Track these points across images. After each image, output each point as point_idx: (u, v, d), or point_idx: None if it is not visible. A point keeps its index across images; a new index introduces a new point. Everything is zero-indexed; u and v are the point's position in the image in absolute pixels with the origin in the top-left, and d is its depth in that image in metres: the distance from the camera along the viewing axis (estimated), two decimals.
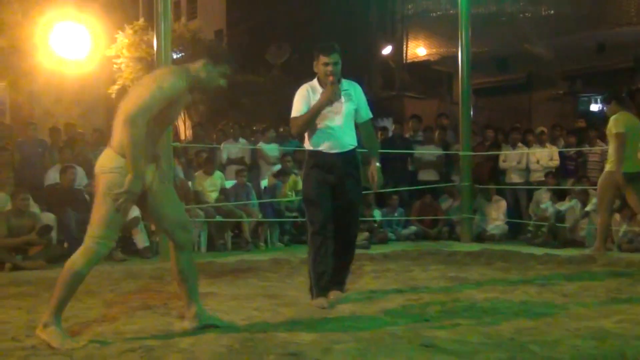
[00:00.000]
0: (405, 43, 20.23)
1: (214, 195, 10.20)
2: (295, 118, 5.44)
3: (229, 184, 10.69)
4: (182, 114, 15.72)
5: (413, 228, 11.17)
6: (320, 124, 5.40)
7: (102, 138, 10.27)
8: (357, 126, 5.65)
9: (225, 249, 9.84)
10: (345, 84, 5.51)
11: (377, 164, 5.63)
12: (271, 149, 11.58)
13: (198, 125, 13.02)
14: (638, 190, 8.31)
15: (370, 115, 5.68)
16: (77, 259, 4.14)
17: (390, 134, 12.88)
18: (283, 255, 8.64)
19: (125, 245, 9.05)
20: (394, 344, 4.04)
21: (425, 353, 3.82)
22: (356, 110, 5.54)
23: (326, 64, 5.36)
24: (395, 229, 11.08)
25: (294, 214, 10.53)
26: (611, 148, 8.33)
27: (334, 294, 5.40)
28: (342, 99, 5.41)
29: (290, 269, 7.49)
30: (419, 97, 18.48)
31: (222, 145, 11.56)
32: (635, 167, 8.29)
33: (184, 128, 15.30)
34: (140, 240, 8.96)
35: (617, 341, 4.09)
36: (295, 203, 10.60)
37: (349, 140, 5.48)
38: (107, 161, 4.18)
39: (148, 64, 12.99)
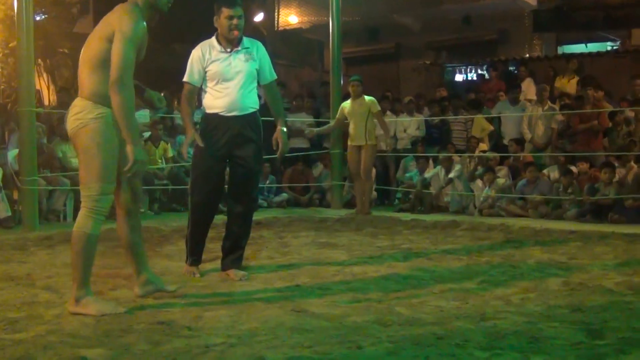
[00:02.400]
0: (277, 11, 20.13)
1: (76, 161, 9.84)
2: (186, 84, 5.14)
3: None
4: (45, 79, 15.09)
5: (285, 195, 11.24)
6: (218, 84, 5.07)
7: None
8: (261, 88, 5.35)
9: None
10: (247, 41, 5.18)
11: (284, 129, 5.33)
12: (141, 116, 11.28)
13: (63, 90, 12.52)
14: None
15: (275, 76, 5.34)
16: (83, 222, 3.99)
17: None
18: (153, 223, 8.51)
19: None
20: (265, 309, 4.08)
21: (296, 318, 3.88)
22: (258, 71, 5.18)
23: (230, 17, 4.99)
24: (267, 196, 11.12)
25: (164, 182, 10.36)
26: (371, 124, 9.71)
27: (234, 273, 5.12)
28: (243, 57, 5.11)
29: (161, 237, 7.39)
30: (291, 65, 18.47)
31: None
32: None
33: (47, 93, 14.68)
34: (1, 209, 8.58)
35: (478, 301, 4.29)
36: (165, 170, 10.43)
37: (250, 103, 5.14)
38: (85, 113, 4.02)
39: (8, 26, 12.34)
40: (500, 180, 9.97)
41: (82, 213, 4.03)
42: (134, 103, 4.00)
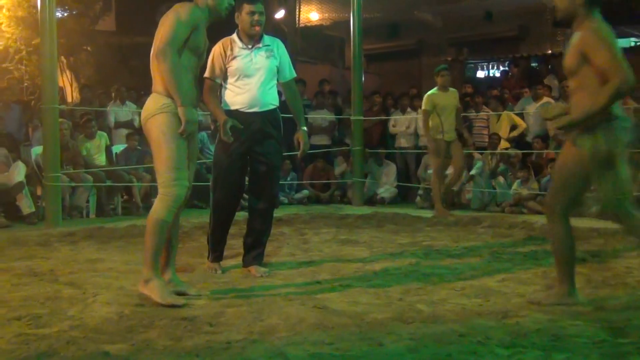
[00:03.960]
0: (298, 7, 20.14)
1: (100, 158, 9.94)
2: (207, 80, 5.15)
3: (119, 147, 10.45)
4: (68, 76, 15.18)
5: (305, 192, 11.24)
6: (238, 80, 5.09)
7: None
8: (280, 86, 5.36)
9: (115, 214, 9.64)
10: (267, 39, 5.20)
11: (304, 128, 5.35)
12: None
13: (86, 87, 12.62)
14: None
15: (294, 75, 5.37)
16: (157, 208, 4.17)
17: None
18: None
19: (9, 211, 8.73)
20: (286, 306, 4.09)
21: (317, 314, 3.89)
22: (278, 68, 5.22)
23: (252, 13, 5.02)
24: (288, 193, 11.13)
25: None
26: (456, 119, 9.19)
27: (255, 270, 5.14)
28: (264, 54, 5.13)
29: (182, 233, 7.38)
30: (312, 62, 18.46)
31: (108, 108, 11.24)
32: None
33: (70, 90, 14.78)
34: (25, 205, 8.65)
35: (500, 299, 4.27)
36: None
37: (270, 99, 5.17)
38: (152, 104, 4.24)
39: (31, 24, 12.44)
40: (533, 182, 9.83)
41: (157, 199, 4.22)
42: (179, 70, 4.16)
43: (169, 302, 4.06)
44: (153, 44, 4.30)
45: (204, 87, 5.19)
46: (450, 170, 9.49)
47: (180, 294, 4.37)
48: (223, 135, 4.94)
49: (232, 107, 5.11)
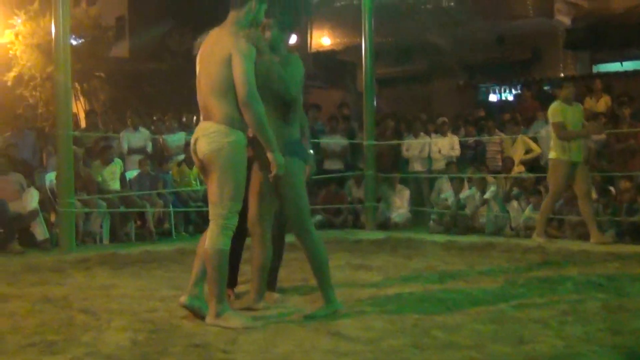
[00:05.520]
0: (310, 32, 20.27)
1: (114, 184, 9.98)
2: None
3: (132, 173, 10.49)
4: (82, 103, 15.30)
5: (318, 217, 11.21)
6: None
7: None
8: None
9: (129, 239, 9.65)
10: None
11: (310, 151, 5.27)
12: (176, 139, 11.39)
13: (91, 112, 12.66)
14: None
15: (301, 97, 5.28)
16: (217, 240, 4.23)
17: None
18: (188, 245, 8.54)
19: (23, 238, 8.76)
20: (300, 332, 4.07)
21: (331, 340, 3.86)
22: None
23: None
24: None
25: (199, 204, 10.41)
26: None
27: (268, 296, 5.09)
28: None
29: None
30: (324, 87, 18.54)
31: (121, 134, 11.30)
32: None
33: (84, 116, 14.90)
34: (39, 232, 8.69)
35: (515, 324, 4.23)
36: (200, 192, 10.48)
37: None
38: (220, 138, 4.23)
39: (45, 51, 12.57)
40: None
41: (213, 231, 4.25)
42: (264, 114, 4.24)
43: (250, 325, 4.18)
44: (202, 69, 4.35)
45: None
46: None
47: (200, 313, 4.37)
48: None
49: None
